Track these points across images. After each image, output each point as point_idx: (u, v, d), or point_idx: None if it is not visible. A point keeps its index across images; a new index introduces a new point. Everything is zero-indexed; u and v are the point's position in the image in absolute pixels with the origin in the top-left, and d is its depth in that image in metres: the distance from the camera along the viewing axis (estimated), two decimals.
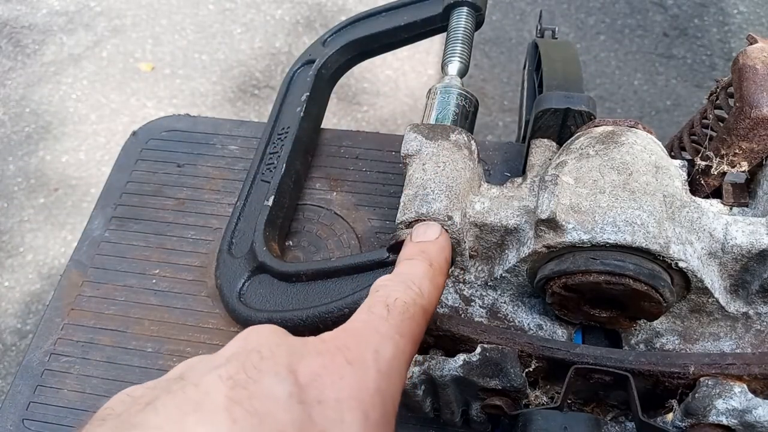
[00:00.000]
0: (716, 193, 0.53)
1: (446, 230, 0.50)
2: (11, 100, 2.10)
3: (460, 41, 0.64)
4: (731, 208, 0.51)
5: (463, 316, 0.54)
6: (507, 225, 0.51)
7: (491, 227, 0.52)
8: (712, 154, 0.51)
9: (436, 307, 0.40)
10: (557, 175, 0.49)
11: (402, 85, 2.05)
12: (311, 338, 0.32)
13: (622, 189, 0.47)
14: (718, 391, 0.42)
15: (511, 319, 0.54)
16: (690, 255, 0.46)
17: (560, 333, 0.53)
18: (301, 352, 0.30)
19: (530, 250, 0.49)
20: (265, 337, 0.31)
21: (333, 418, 0.27)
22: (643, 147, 0.50)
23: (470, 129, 0.59)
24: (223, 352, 0.30)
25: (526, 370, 0.46)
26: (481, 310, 0.54)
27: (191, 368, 0.29)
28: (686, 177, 0.52)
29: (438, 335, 0.48)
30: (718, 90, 0.53)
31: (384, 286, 0.38)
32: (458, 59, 0.63)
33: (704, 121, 0.54)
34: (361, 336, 0.32)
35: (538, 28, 1.01)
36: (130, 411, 0.26)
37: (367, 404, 0.29)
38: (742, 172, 0.51)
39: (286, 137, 0.66)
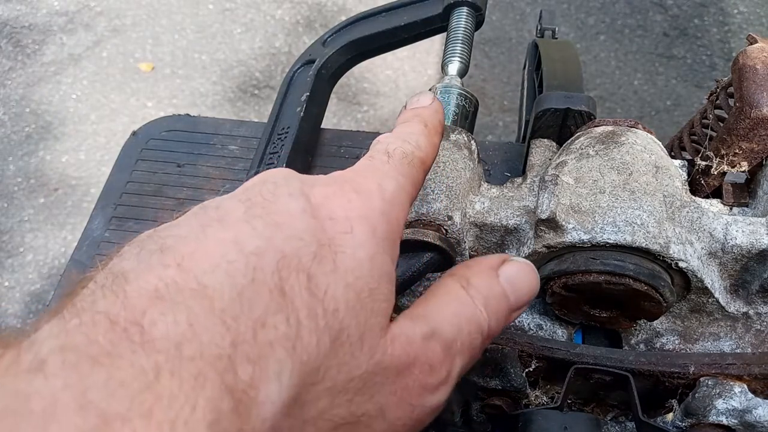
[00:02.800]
0: (716, 193, 0.53)
1: (445, 230, 0.50)
2: (11, 100, 2.10)
3: (460, 41, 0.64)
4: (731, 208, 0.51)
5: None
6: (507, 225, 0.51)
7: (491, 227, 0.52)
8: (712, 154, 0.51)
9: (433, 161, 0.41)
10: (557, 175, 0.49)
11: (402, 85, 2.05)
12: (320, 175, 0.34)
13: (622, 189, 0.47)
14: (718, 391, 0.42)
15: None
16: (690, 255, 0.46)
17: (560, 333, 0.53)
18: (313, 182, 0.32)
19: (530, 250, 0.49)
20: (278, 172, 0.33)
21: (343, 230, 0.29)
22: (643, 147, 0.50)
23: (470, 129, 0.59)
24: (241, 187, 0.31)
25: (526, 370, 0.46)
26: None
27: (211, 201, 0.30)
28: (686, 177, 0.52)
29: None
30: (718, 90, 0.53)
31: (382, 141, 0.39)
32: (458, 59, 0.63)
33: (704, 121, 0.54)
34: (365, 173, 0.34)
35: (538, 28, 1.01)
36: (156, 230, 0.28)
37: (374, 221, 0.31)
38: (742, 172, 0.51)
39: (286, 137, 0.66)
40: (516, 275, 0.37)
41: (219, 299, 0.23)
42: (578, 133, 0.54)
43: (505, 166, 0.69)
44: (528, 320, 0.53)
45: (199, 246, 0.25)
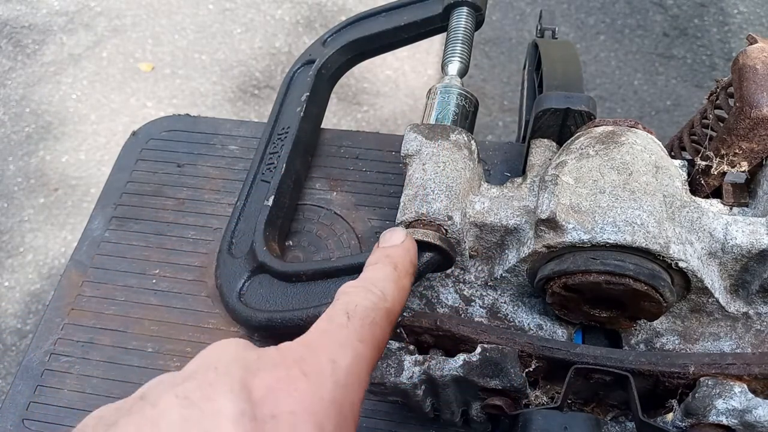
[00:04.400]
0: (716, 193, 0.53)
1: (446, 230, 0.50)
2: (11, 100, 2.10)
3: (460, 41, 0.64)
4: (731, 208, 0.51)
5: (463, 316, 0.54)
6: (507, 225, 0.51)
7: (491, 227, 0.52)
8: (712, 154, 0.51)
9: (402, 307, 0.40)
10: (557, 175, 0.49)
11: (402, 85, 2.05)
12: (270, 349, 0.32)
13: (622, 189, 0.47)
14: (718, 391, 0.42)
15: (511, 319, 0.54)
16: (690, 255, 0.46)
17: (560, 333, 0.53)
18: (257, 366, 0.30)
19: (530, 250, 0.49)
20: (223, 352, 0.31)
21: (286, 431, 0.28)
22: (643, 147, 0.50)
23: (470, 129, 0.59)
24: (185, 369, 0.30)
25: (526, 370, 0.46)
26: (481, 310, 0.54)
27: (152, 387, 0.29)
28: (686, 177, 0.52)
29: (438, 335, 0.48)
30: (718, 90, 0.53)
31: (345, 293, 0.38)
32: (458, 59, 0.63)
33: (704, 121, 0.54)
34: (318, 346, 0.33)
35: (538, 28, 1.01)
36: (100, 421, 0.28)
37: (321, 416, 0.29)
38: (742, 172, 0.51)
39: (286, 137, 0.66)
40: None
41: None
42: (578, 133, 0.54)
43: (505, 166, 0.69)
44: (528, 320, 0.53)
45: None
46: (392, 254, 0.42)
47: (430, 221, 0.50)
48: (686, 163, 0.53)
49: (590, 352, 0.45)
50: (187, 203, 0.70)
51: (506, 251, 0.52)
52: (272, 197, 0.62)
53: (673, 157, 0.54)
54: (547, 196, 0.48)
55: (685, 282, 0.48)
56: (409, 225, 0.50)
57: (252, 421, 0.27)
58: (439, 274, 0.55)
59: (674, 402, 0.44)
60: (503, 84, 2.04)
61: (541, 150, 0.58)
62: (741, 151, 0.50)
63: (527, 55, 0.98)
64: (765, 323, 0.50)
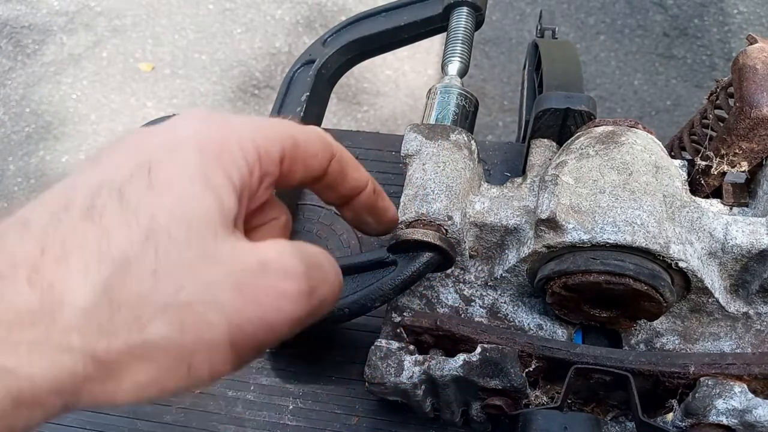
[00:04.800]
0: (716, 193, 0.53)
1: (445, 230, 0.50)
2: (11, 100, 2.10)
3: (460, 41, 0.64)
4: (731, 208, 0.51)
5: (463, 316, 0.54)
6: (507, 225, 0.51)
7: (491, 227, 0.52)
8: (712, 154, 0.51)
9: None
10: (557, 175, 0.49)
11: (402, 85, 2.05)
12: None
13: (622, 189, 0.47)
14: (718, 391, 0.42)
15: (511, 319, 0.54)
16: (690, 255, 0.46)
17: (560, 333, 0.53)
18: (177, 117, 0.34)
19: (530, 250, 0.49)
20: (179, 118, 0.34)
21: (168, 149, 0.31)
22: (643, 147, 0.50)
23: (470, 129, 0.59)
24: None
25: (526, 370, 0.46)
26: (481, 310, 0.54)
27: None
28: (686, 177, 0.52)
29: (438, 335, 0.48)
30: (718, 90, 0.53)
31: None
32: (458, 59, 0.63)
33: (704, 121, 0.54)
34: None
35: (538, 28, 1.01)
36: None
37: (200, 142, 0.31)
38: (742, 172, 0.51)
39: None
40: None
41: (35, 224, 0.27)
42: (578, 133, 0.54)
43: (505, 166, 0.69)
44: (528, 320, 0.53)
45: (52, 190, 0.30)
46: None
47: (430, 221, 0.50)
48: (686, 163, 0.53)
49: (590, 352, 0.45)
50: None
51: (506, 251, 0.52)
52: None
53: (673, 157, 0.54)
54: (547, 196, 0.48)
55: (685, 282, 0.48)
56: (409, 225, 0.50)
57: (138, 145, 0.31)
58: (439, 274, 0.55)
59: (674, 402, 0.44)
60: (503, 84, 2.04)
61: (541, 150, 0.58)
62: (741, 151, 0.50)
63: (527, 55, 0.98)
64: (765, 323, 0.50)
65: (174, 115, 0.37)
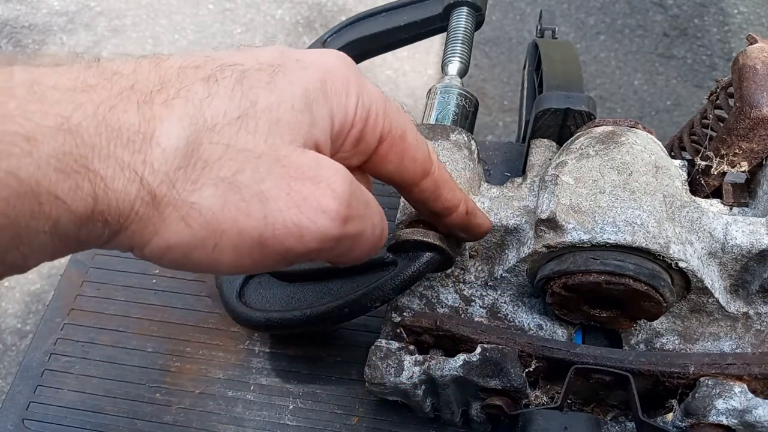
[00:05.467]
0: (716, 193, 0.53)
1: None
2: None
3: (460, 41, 0.64)
4: (731, 208, 0.51)
5: (463, 316, 0.54)
6: (507, 225, 0.51)
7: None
8: (712, 154, 0.51)
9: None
10: (557, 175, 0.49)
11: (402, 85, 2.05)
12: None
13: (622, 189, 0.47)
14: (718, 391, 0.42)
15: (511, 319, 0.54)
16: (690, 255, 0.46)
17: (560, 333, 0.53)
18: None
19: (530, 250, 0.49)
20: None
21: (299, 66, 0.33)
22: (643, 147, 0.50)
23: (470, 129, 0.59)
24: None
25: (526, 370, 0.46)
26: (481, 310, 0.54)
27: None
28: (686, 177, 0.52)
29: (438, 335, 0.48)
30: (718, 90, 0.53)
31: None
32: (458, 59, 0.63)
33: (704, 121, 0.54)
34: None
35: (538, 28, 1.01)
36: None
37: (333, 75, 0.35)
38: (742, 172, 0.51)
39: None
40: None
41: (167, 66, 0.30)
42: (578, 133, 0.54)
43: (505, 166, 0.69)
44: (528, 320, 0.53)
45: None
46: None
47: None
48: (686, 163, 0.53)
49: (590, 352, 0.45)
50: None
51: (506, 251, 0.52)
52: None
53: (673, 157, 0.54)
54: (547, 196, 0.48)
55: (685, 282, 0.48)
56: (409, 225, 0.50)
57: (281, 54, 0.34)
58: (439, 274, 0.55)
59: (674, 402, 0.44)
60: (503, 84, 2.04)
61: (541, 150, 0.58)
62: (741, 151, 0.50)
63: (527, 55, 0.98)
64: (765, 323, 0.50)
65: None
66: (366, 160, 0.38)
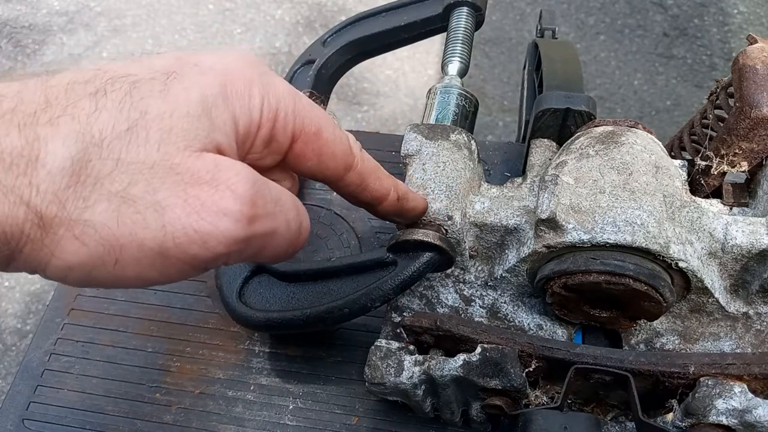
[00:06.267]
0: (716, 193, 0.53)
1: (446, 230, 0.50)
2: None
3: (460, 41, 0.64)
4: (731, 208, 0.51)
5: (463, 316, 0.54)
6: (507, 225, 0.51)
7: (491, 227, 0.52)
8: (712, 154, 0.51)
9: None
10: (557, 175, 0.49)
11: (402, 85, 2.05)
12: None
13: (622, 189, 0.47)
14: (718, 391, 0.42)
15: (511, 319, 0.54)
16: (690, 255, 0.46)
17: (560, 333, 0.53)
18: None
19: (530, 250, 0.49)
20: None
21: (197, 72, 0.33)
22: (643, 147, 0.50)
23: (470, 129, 0.59)
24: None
25: (526, 370, 0.46)
26: (481, 310, 0.54)
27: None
28: (686, 177, 0.52)
29: (438, 335, 0.48)
30: (718, 90, 0.53)
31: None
32: (458, 59, 0.63)
33: (704, 121, 0.54)
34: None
35: (538, 28, 1.01)
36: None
37: (232, 77, 0.34)
38: (742, 172, 0.51)
39: None
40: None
41: (55, 83, 0.30)
42: (578, 133, 0.54)
43: (505, 166, 0.69)
44: (528, 320, 0.53)
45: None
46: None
47: (430, 221, 0.50)
48: (686, 163, 0.53)
49: (590, 352, 0.45)
50: None
51: (506, 251, 0.52)
52: None
53: (673, 157, 0.54)
54: (547, 196, 0.48)
55: (685, 282, 0.48)
56: (409, 225, 0.50)
57: (177, 60, 0.33)
58: (439, 274, 0.55)
59: (674, 402, 0.44)
60: (503, 84, 2.04)
61: (541, 150, 0.58)
62: (741, 151, 0.50)
63: (527, 55, 0.98)
64: (765, 323, 0.50)
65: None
66: (283, 159, 0.37)
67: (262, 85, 0.35)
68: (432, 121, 0.58)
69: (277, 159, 0.37)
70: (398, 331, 0.52)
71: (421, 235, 0.49)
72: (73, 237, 0.29)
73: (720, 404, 0.41)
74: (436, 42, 2.04)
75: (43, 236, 0.28)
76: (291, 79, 0.72)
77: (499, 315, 0.54)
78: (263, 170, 0.38)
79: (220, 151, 0.33)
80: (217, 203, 0.31)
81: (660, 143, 0.53)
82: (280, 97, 0.35)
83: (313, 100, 0.39)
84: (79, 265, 0.30)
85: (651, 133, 0.52)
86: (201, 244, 0.31)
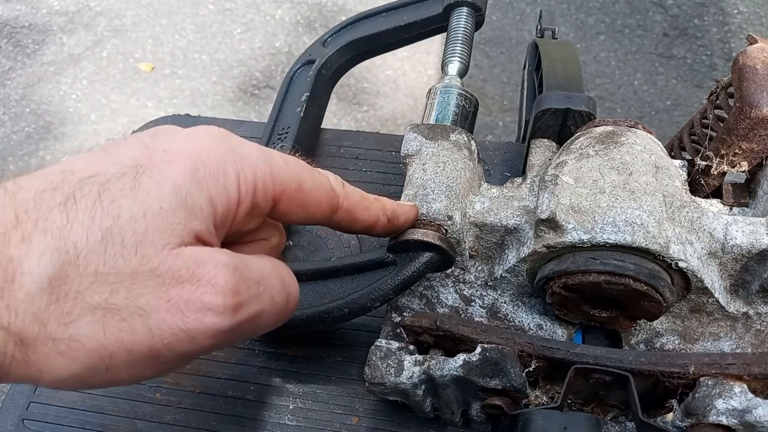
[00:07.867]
0: (716, 193, 0.53)
1: (445, 230, 0.50)
2: (11, 100, 2.10)
3: (460, 41, 0.64)
4: (731, 208, 0.51)
5: (463, 316, 0.54)
6: (507, 225, 0.51)
7: (491, 227, 0.52)
8: (712, 154, 0.51)
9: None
10: (557, 175, 0.49)
11: (402, 85, 2.05)
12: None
13: (622, 189, 0.47)
14: (718, 391, 0.42)
15: (511, 319, 0.54)
16: (690, 255, 0.46)
17: (560, 333, 0.53)
18: (191, 130, 0.36)
19: (530, 250, 0.49)
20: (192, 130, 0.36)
21: (167, 160, 0.32)
22: (643, 147, 0.50)
23: (470, 129, 0.59)
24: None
25: (526, 370, 0.46)
26: (481, 310, 0.54)
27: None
28: (686, 177, 0.52)
29: (438, 335, 0.48)
30: (718, 90, 0.53)
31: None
32: (458, 59, 0.63)
33: (704, 121, 0.54)
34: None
35: (538, 28, 1.01)
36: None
37: (200, 162, 0.33)
38: (742, 172, 0.51)
39: (286, 137, 0.66)
40: None
41: (23, 196, 0.29)
42: (578, 133, 0.54)
43: (505, 166, 0.69)
44: (528, 320, 0.53)
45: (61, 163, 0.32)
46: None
47: (430, 221, 0.50)
48: (686, 163, 0.53)
49: (590, 352, 0.45)
50: None
51: (506, 251, 0.52)
52: None
53: (673, 157, 0.54)
54: (547, 196, 0.48)
55: (685, 282, 0.48)
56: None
57: (146, 149, 0.33)
58: (439, 274, 0.55)
59: (674, 402, 0.44)
60: (503, 84, 2.04)
61: (541, 150, 0.58)
62: (741, 151, 0.50)
63: (527, 55, 0.98)
64: (765, 323, 0.50)
65: (199, 116, 0.39)
66: (268, 214, 0.37)
67: (235, 160, 0.34)
68: (432, 121, 0.58)
69: (261, 220, 0.38)
70: (398, 331, 0.52)
71: (420, 235, 0.49)
72: (58, 354, 0.29)
73: (720, 404, 0.41)
74: (436, 42, 2.04)
75: (27, 357, 0.28)
76: (291, 79, 0.72)
77: (499, 315, 0.54)
78: (250, 232, 0.39)
79: (199, 238, 0.32)
80: (200, 299, 0.31)
81: (660, 143, 0.53)
82: (255, 168, 0.35)
83: (292, 154, 0.40)
84: (71, 377, 0.30)
85: (651, 133, 0.52)
86: (189, 341, 0.31)
